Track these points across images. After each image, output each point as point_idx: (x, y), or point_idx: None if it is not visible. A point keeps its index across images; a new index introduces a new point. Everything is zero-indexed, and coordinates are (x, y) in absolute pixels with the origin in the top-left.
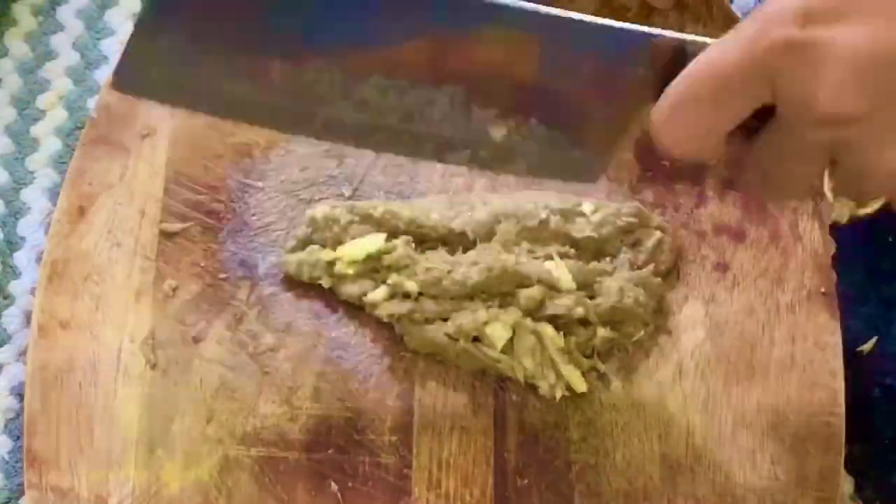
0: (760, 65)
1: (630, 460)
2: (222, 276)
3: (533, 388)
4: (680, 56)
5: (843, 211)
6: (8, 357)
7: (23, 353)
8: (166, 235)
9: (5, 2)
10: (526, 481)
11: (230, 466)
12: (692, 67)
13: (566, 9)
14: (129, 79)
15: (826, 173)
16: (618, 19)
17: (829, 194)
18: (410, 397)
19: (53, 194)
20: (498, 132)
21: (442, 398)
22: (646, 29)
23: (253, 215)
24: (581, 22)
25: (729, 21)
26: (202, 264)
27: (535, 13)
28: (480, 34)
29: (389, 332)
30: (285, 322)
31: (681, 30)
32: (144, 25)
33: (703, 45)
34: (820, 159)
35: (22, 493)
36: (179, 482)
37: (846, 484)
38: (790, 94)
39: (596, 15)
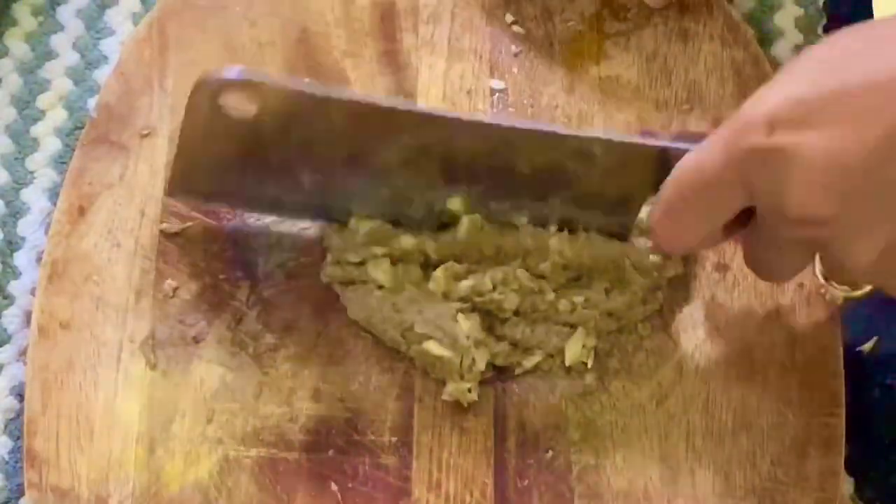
0: (735, 172)
1: (630, 461)
2: (222, 276)
3: (533, 388)
4: (665, 161)
5: (836, 293)
6: (8, 357)
7: (23, 353)
8: (166, 235)
9: (5, 2)
10: (526, 482)
11: (230, 466)
12: (676, 174)
13: (565, 9)
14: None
15: (817, 259)
16: (618, 18)
17: (820, 278)
18: (410, 397)
19: (53, 194)
20: (520, 220)
21: (442, 398)
22: (631, 139)
23: (253, 215)
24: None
25: (729, 21)
26: (202, 264)
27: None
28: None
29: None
30: (285, 322)
31: (683, 30)
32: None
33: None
34: (801, 253)
35: (22, 493)
36: (179, 482)
37: (846, 484)
38: (763, 198)
39: (596, 14)
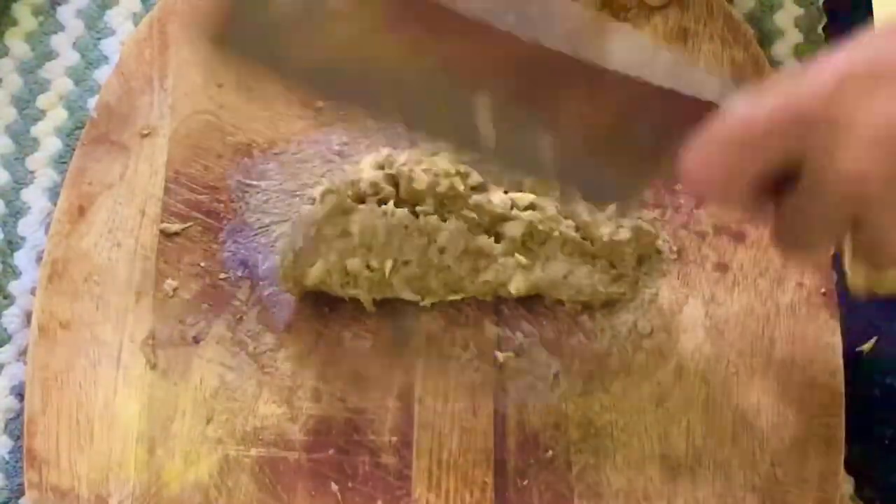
0: (789, 124)
1: (630, 461)
2: (222, 276)
3: (533, 388)
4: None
5: (858, 284)
6: (8, 357)
7: (23, 353)
8: (166, 235)
9: (5, 2)
10: (526, 482)
11: (230, 466)
12: (726, 115)
13: (566, 9)
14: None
15: (847, 248)
16: (618, 18)
17: (847, 269)
18: (410, 397)
19: (53, 194)
20: (544, 151)
21: (442, 398)
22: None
23: (253, 215)
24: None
25: (729, 21)
26: (202, 264)
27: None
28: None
29: (390, 332)
30: (285, 322)
31: (683, 30)
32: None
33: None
34: (840, 225)
35: (22, 493)
36: (179, 482)
37: (846, 484)
38: (814, 155)
39: (597, 15)
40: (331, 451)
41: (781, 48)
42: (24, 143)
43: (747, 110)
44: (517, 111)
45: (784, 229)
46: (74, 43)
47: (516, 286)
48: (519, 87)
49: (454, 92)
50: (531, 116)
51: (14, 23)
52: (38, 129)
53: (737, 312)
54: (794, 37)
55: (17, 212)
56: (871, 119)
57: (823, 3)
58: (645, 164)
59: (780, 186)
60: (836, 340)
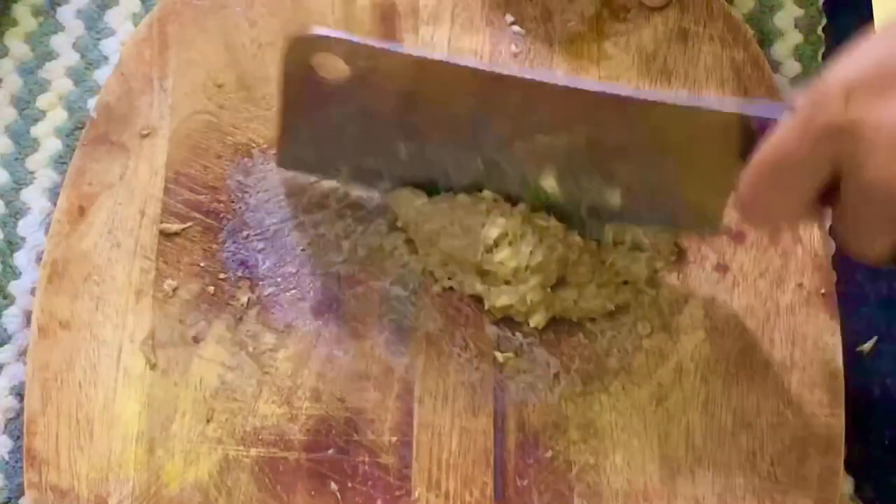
0: (814, 149)
1: (630, 461)
2: (222, 276)
3: (533, 388)
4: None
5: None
6: (8, 357)
7: (23, 353)
8: (166, 235)
9: (5, 2)
10: (526, 482)
11: (230, 466)
12: (759, 154)
13: (565, 9)
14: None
15: None
16: (618, 19)
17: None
18: (410, 397)
19: (53, 194)
20: (614, 198)
21: (442, 398)
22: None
23: (253, 215)
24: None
25: (729, 21)
26: (202, 264)
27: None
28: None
29: (390, 332)
30: (285, 322)
31: (683, 30)
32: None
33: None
34: (889, 233)
35: (22, 493)
36: (179, 482)
37: (846, 484)
38: (845, 165)
39: (596, 15)
40: (330, 451)
41: (781, 48)
42: (24, 143)
43: (776, 144)
44: (581, 167)
45: (841, 232)
46: (74, 43)
47: (536, 322)
48: (578, 139)
49: (521, 160)
50: (595, 170)
51: (14, 23)
52: (38, 130)
53: (737, 313)
54: (794, 37)
55: (17, 212)
56: (887, 124)
57: (823, 3)
58: (715, 189)
59: (831, 192)
60: (836, 340)
